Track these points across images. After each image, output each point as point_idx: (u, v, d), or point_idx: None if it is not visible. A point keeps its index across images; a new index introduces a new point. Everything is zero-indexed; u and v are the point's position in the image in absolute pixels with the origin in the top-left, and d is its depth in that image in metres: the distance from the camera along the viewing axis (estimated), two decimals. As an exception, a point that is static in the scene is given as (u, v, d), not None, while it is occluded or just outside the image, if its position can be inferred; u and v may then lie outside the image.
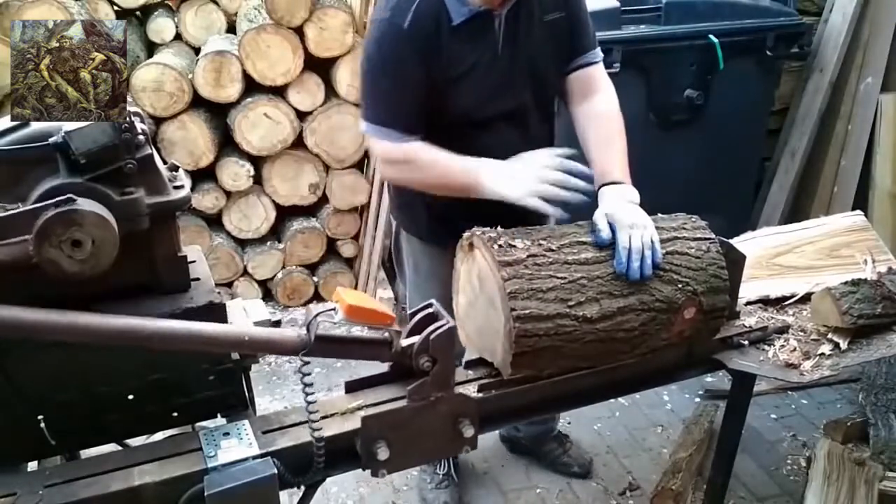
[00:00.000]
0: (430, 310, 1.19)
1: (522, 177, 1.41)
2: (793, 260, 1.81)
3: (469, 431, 1.19)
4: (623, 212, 1.36)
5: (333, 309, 1.09)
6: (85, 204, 0.92)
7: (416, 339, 1.14)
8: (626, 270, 1.27)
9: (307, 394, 1.06)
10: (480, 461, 2.40)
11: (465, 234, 1.33)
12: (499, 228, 1.31)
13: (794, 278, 1.75)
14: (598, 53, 1.71)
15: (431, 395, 1.15)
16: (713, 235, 1.41)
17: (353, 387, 1.24)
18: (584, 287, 1.24)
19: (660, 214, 1.45)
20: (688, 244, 1.35)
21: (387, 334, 1.14)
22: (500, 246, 1.23)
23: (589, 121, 1.64)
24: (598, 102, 1.66)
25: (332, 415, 1.16)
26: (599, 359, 1.31)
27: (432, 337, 1.13)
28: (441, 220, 1.69)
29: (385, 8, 1.51)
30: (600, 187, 1.48)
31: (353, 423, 1.14)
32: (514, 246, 1.24)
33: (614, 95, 1.67)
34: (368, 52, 1.53)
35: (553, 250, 1.26)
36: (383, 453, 1.12)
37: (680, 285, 1.31)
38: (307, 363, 1.07)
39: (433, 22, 1.49)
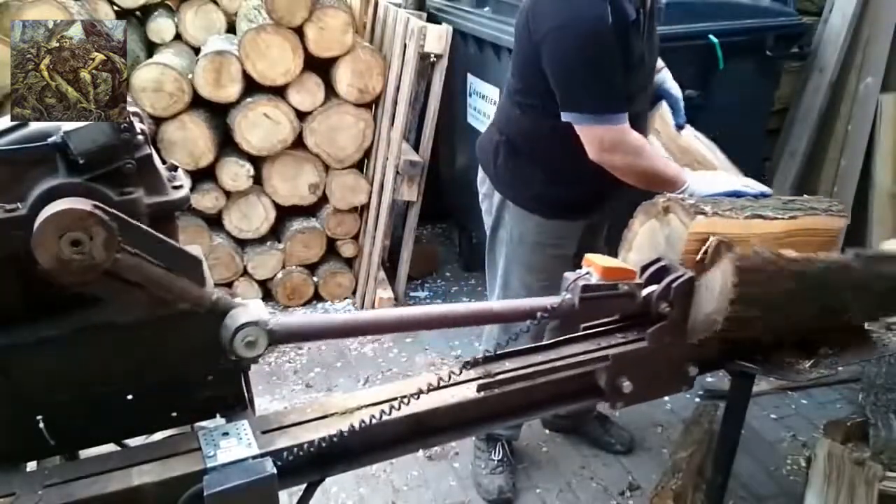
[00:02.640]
0: (662, 262, 1.31)
1: (724, 180, 1.67)
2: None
3: (693, 372, 1.33)
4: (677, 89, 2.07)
5: (588, 273, 1.24)
6: (81, 204, 0.92)
7: (654, 287, 1.27)
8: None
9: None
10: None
11: (660, 198, 1.46)
12: (689, 196, 1.49)
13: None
14: None
15: (667, 337, 1.28)
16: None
17: (588, 331, 1.34)
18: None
19: (806, 195, 1.71)
20: None
21: (627, 288, 1.26)
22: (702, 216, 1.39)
23: None
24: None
25: (332, 414, 1.16)
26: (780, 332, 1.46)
27: (674, 285, 1.26)
28: (553, 197, 1.94)
29: (583, 8, 1.68)
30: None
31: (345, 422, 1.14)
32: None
33: None
34: (584, 49, 1.69)
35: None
36: (627, 387, 1.25)
37: None
38: (546, 318, 1.20)
39: (623, 19, 1.70)
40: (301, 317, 1.10)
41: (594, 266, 1.24)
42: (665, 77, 2.06)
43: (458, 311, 1.21)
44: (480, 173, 2.14)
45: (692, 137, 2.01)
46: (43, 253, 0.90)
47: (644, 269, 1.33)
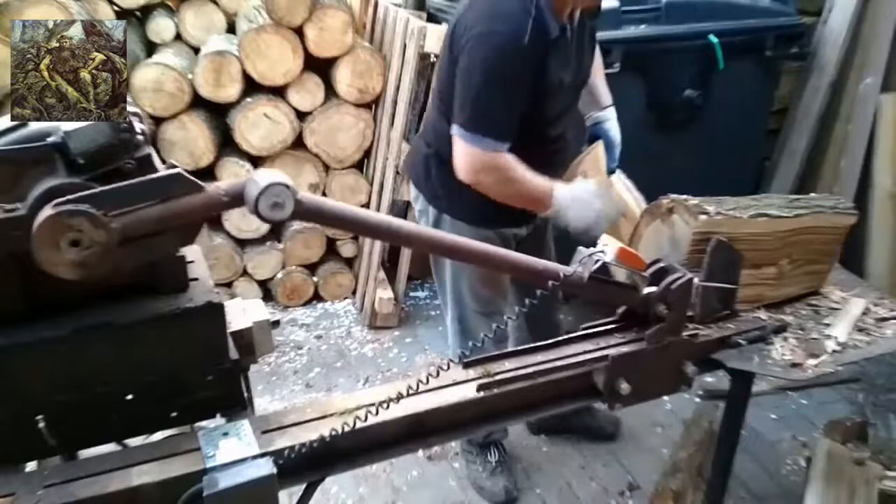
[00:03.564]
0: (661, 264, 1.30)
1: (588, 203, 1.69)
2: None
3: (692, 372, 1.34)
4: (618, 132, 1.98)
5: (602, 251, 1.23)
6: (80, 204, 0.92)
7: (653, 288, 1.27)
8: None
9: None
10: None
11: (664, 200, 1.48)
12: (687, 196, 1.49)
13: None
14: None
15: (666, 338, 1.29)
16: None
17: (587, 331, 1.36)
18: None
19: (813, 194, 1.76)
20: None
21: (632, 280, 1.28)
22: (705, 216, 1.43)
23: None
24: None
25: (332, 414, 1.16)
26: None
27: (673, 286, 1.26)
28: (488, 205, 1.83)
29: (499, 20, 1.64)
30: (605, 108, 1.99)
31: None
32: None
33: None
34: (488, 65, 1.64)
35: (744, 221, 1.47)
36: (626, 389, 1.26)
37: None
38: (555, 290, 1.19)
39: (543, 37, 1.65)
40: (328, 200, 1.06)
41: (610, 245, 1.24)
42: (609, 116, 1.99)
43: (478, 248, 1.16)
44: (413, 190, 2.08)
45: (621, 185, 1.94)
46: (64, 271, 0.91)
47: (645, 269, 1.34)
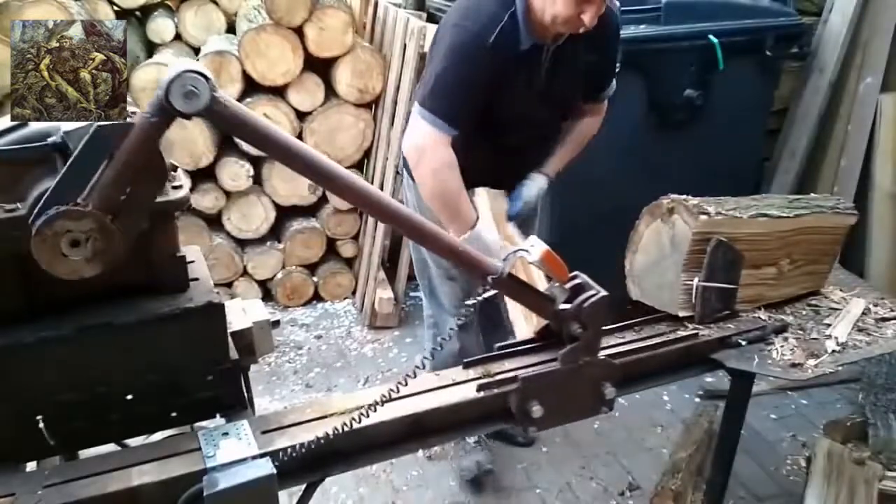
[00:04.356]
0: (578, 280, 1.24)
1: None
2: None
3: (611, 393, 1.27)
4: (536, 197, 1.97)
5: (527, 250, 1.18)
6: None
7: (567, 306, 1.22)
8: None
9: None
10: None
11: (665, 200, 1.49)
12: (687, 196, 1.50)
13: None
14: (613, 85, 2.03)
15: (580, 359, 1.23)
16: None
17: (503, 350, 1.33)
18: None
19: (813, 194, 1.79)
20: None
21: (551, 293, 1.23)
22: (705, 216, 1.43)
23: (570, 130, 2.03)
24: (585, 121, 2.04)
25: (332, 414, 1.16)
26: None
27: (585, 305, 1.20)
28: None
29: (471, 18, 1.73)
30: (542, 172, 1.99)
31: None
32: None
33: (601, 116, 2.07)
34: (449, 56, 1.73)
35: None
36: (538, 412, 1.20)
37: None
38: (487, 289, 1.17)
39: (510, 44, 1.71)
40: (253, 113, 0.99)
41: (537, 246, 1.19)
42: (536, 179, 1.98)
43: (412, 220, 1.13)
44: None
45: (514, 231, 1.93)
46: (85, 271, 0.92)
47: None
